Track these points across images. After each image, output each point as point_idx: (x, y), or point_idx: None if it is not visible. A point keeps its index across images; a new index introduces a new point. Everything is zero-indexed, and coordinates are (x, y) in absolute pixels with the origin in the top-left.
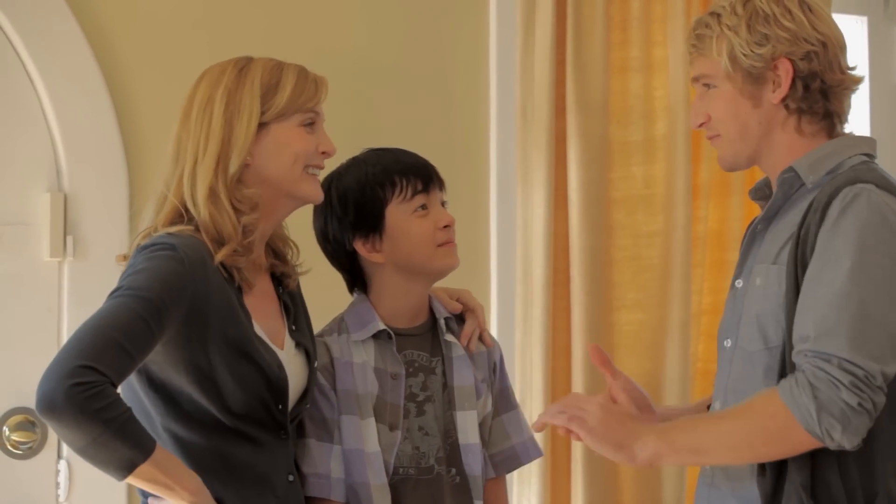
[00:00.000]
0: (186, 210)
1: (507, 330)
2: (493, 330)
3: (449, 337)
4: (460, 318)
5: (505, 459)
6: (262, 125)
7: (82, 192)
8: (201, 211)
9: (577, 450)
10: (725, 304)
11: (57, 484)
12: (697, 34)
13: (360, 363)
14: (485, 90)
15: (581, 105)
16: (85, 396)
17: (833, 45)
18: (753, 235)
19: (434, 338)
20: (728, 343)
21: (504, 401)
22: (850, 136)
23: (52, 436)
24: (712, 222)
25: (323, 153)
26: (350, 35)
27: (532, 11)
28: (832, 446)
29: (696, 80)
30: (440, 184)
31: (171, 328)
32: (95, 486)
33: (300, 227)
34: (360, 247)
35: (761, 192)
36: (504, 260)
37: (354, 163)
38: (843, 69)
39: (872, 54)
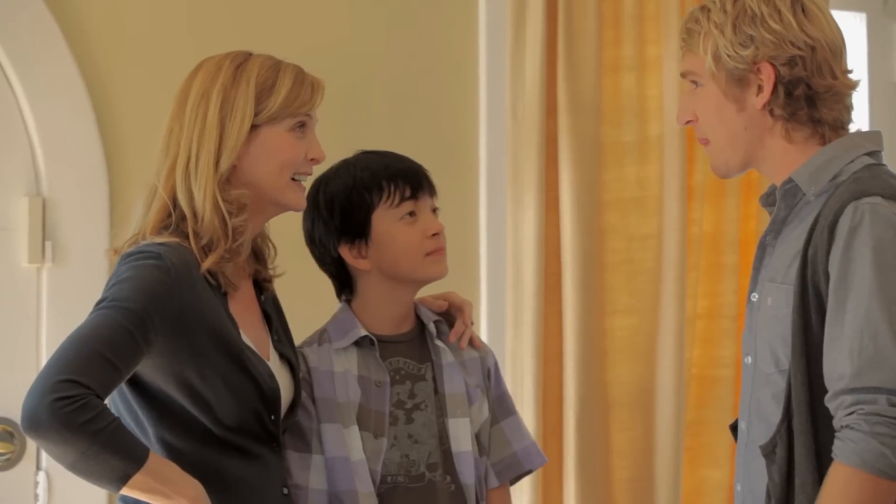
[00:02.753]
0: (175, 206)
1: (498, 335)
2: (484, 335)
3: (439, 342)
4: (449, 321)
5: (507, 467)
6: (253, 127)
7: (61, 197)
8: (198, 210)
9: (570, 457)
10: (745, 318)
11: (36, 496)
12: (688, 28)
13: (342, 372)
14: (474, 90)
15: (573, 105)
16: (68, 410)
17: (823, 50)
18: (764, 248)
19: (422, 344)
20: (749, 360)
21: (502, 407)
22: (852, 136)
23: (31, 446)
24: (707, 225)
25: (312, 160)
26: (337, 34)
27: (522, 9)
28: None
29: (684, 75)
30: (431, 190)
31: (159, 339)
32: (74, 498)
33: (289, 232)
34: (345, 253)
35: (771, 199)
36: (494, 263)
37: (344, 166)
38: (834, 74)
39: (871, 51)
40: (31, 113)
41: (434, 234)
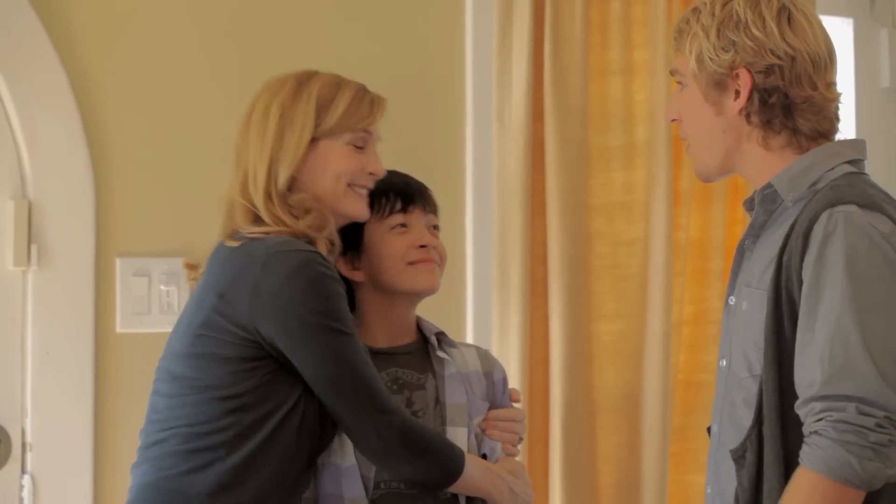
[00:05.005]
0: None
1: (484, 340)
2: (470, 340)
3: (441, 353)
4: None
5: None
6: (313, 140)
7: (47, 200)
8: (264, 215)
9: (556, 462)
10: (722, 321)
11: (21, 499)
12: (679, 28)
13: None
14: (461, 94)
15: (559, 110)
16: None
17: (804, 60)
18: (742, 252)
19: (423, 356)
20: (724, 363)
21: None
22: (834, 144)
23: (17, 450)
24: (694, 230)
25: (370, 174)
26: (323, 40)
27: (509, 13)
28: (877, 486)
29: (672, 73)
30: (426, 206)
31: None
32: (60, 502)
33: None
34: (340, 265)
35: (752, 204)
36: (480, 268)
37: None
38: (814, 85)
39: (858, 56)
40: (17, 116)
41: (422, 246)
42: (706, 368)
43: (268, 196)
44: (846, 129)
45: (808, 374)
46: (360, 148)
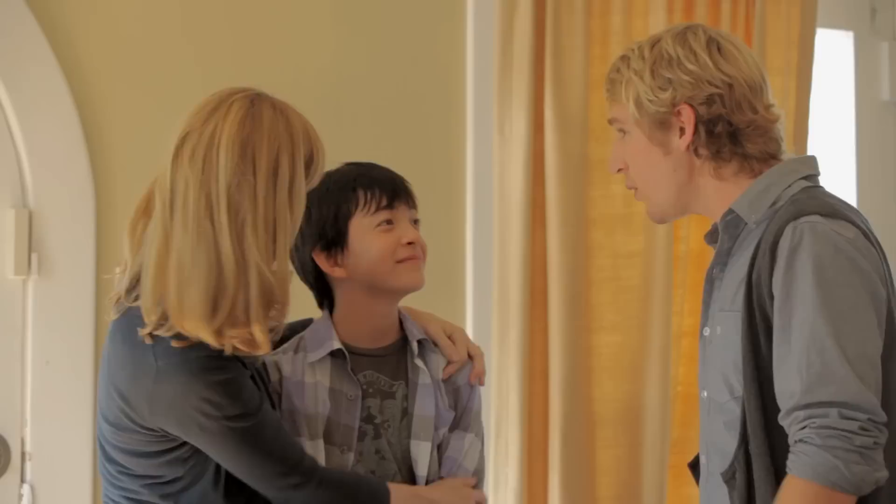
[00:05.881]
0: None
1: (484, 352)
2: None
3: (418, 362)
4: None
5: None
6: None
7: (48, 209)
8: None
9: (555, 475)
10: (699, 353)
11: None
12: (610, 78)
13: (312, 383)
14: (461, 106)
15: (560, 121)
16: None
17: (741, 86)
18: (712, 281)
19: (399, 361)
20: (705, 395)
21: (463, 421)
22: (787, 163)
23: (16, 459)
24: (693, 242)
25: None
26: (325, 51)
27: (510, 25)
28: (866, 491)
29: (610, 122)
30: (409, 201)
31: None
32: None
33: None
34: (320, 260)
35: (714, 236)
36: (480, 280)
37: (324, 175)
38: (754, 109)
39: (859, 69)
40: (18, 124)
41: (409, 243)
42: None
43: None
44: (846, 142)
45: (788, 385)
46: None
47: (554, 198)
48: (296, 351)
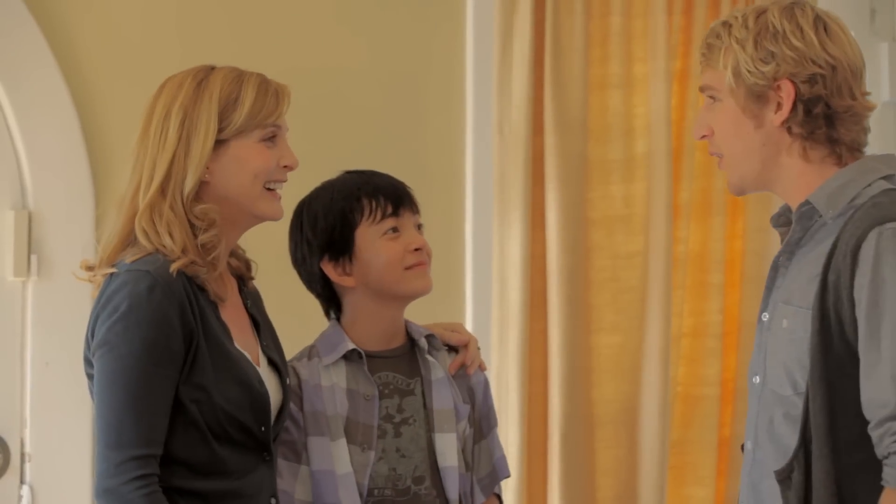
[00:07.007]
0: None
1: (483, 353)
2: None
3: (429, 357)
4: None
5: (491, 480)
6: (220, 141)
7: (47, 210)
8: (164, 228)
9: (555, 475)
10: (755, 338)
11: None
12: (708, 43)
13: (329, 385)
14: (461, 107)
15: (559, 122)
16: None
17: (844, 70)
18: (777, 268)
19: (412, 359)
20: (757, 380)
21: (488, 423)
22: (867, 160)
23: (15, 460)
24: (693, 243)
25: (285, 167)
26: (324, 50)
27: (510, 27)
28: None
29: (702, 90)
30: (413, 206)
31: (178, 362)
32: None
33: (278, 251)
34: (329, 270)
35: (783, 219)
36: (480, 281)
37: (326, 186)
38: (853, 95)
39: None
40: (18, 126)
41: (416, 249)
42: (705, 381)
43: (151, 206)
44: None
45: (879, 394)
46: (271, 142)
47: (553, 199)
48: (309, 358)
